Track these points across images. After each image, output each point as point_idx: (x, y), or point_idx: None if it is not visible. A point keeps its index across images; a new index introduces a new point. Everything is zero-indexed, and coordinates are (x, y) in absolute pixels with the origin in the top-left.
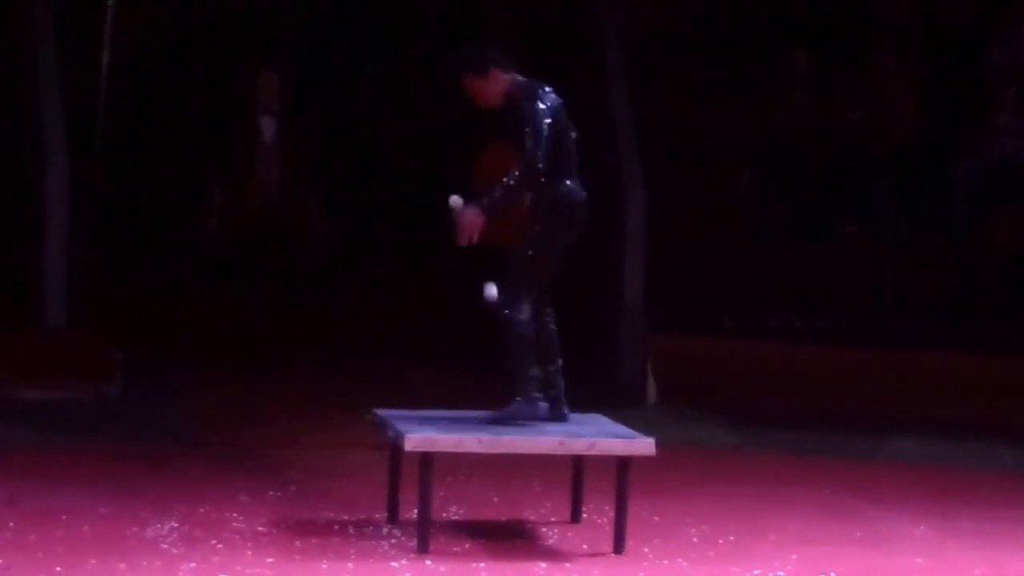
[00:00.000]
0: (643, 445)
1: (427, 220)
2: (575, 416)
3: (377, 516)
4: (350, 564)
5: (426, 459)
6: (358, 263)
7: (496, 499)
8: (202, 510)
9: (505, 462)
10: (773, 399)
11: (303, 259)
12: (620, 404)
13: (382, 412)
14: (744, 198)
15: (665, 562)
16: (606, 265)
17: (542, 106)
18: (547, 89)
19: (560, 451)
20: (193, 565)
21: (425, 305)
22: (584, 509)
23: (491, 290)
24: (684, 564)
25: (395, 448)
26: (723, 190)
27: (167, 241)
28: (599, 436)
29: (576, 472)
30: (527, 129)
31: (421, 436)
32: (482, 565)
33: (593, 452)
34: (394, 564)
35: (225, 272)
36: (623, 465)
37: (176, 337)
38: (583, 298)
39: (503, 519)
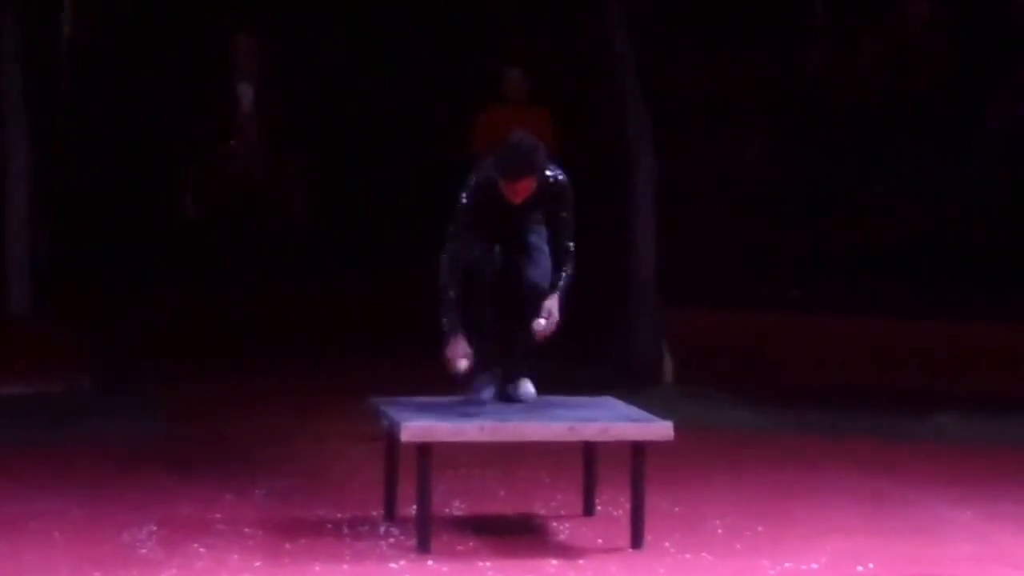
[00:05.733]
0: (660, 429)
1: (416, 190)
2: (586, 399)
3: (373, 513)
4: (345, 566)
5: (424, 449)
6: (342, 238)
7: (502, 492)
8: (183, 511)
9: (511, 451)
10: (798, 375)
11: (282, 235)
12: (634, 385)
13: (376, 400)
14: (760, 164)
15: (688, 556)
16: (616, 238)
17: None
18: None
19: (570, 437)
20: (174, 572)
21: (417, 283)
22: (598, 500)
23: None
24: (709, 558)
25: (391, 438)
26: (738, 156)
27: (140, 224)
28: (612, 420)
29: (588, 460)
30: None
31: (418, 425)
32: (488, 564)
33: (606, 438)
34: (393, 565)
35: (202, 256)
36: (638, 451)
37: (152, 326)
38: (593, 274)
39: (510, 513)
